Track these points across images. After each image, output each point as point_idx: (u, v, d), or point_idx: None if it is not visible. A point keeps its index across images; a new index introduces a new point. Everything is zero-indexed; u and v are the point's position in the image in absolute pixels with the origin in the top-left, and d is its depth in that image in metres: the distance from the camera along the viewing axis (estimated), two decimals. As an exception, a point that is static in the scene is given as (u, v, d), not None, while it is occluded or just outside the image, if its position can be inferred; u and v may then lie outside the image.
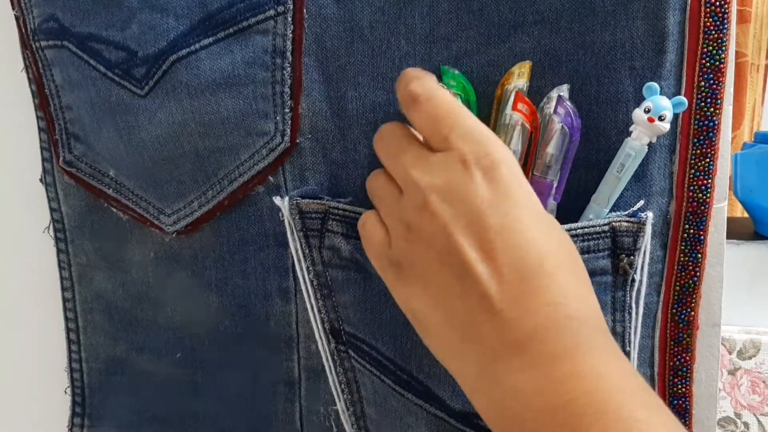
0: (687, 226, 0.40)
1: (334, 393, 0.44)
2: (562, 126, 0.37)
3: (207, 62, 0.40)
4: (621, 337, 0.40)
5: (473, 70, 0.39)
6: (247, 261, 0.45)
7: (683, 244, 0.40)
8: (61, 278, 0.51)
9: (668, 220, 0.40)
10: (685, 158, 0.39)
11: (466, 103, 0.38)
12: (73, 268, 0.50)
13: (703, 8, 0.37)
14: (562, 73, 0.39)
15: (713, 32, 0.37)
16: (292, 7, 0.40)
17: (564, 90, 0.38)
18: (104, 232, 0.48)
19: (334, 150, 0.42)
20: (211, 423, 0.50)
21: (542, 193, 0.38)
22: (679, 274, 0.41)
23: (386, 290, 0.36)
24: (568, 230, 0.38)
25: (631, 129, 0.38)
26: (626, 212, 0.39)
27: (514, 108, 0.37)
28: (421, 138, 0.36)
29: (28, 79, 0.47)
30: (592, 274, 0.39)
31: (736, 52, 0.38)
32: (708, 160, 0.39)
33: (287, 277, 0.45)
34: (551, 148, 0.37)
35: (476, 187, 0.32)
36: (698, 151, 0.39)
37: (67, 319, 0.51)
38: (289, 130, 0.42)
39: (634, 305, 0.40)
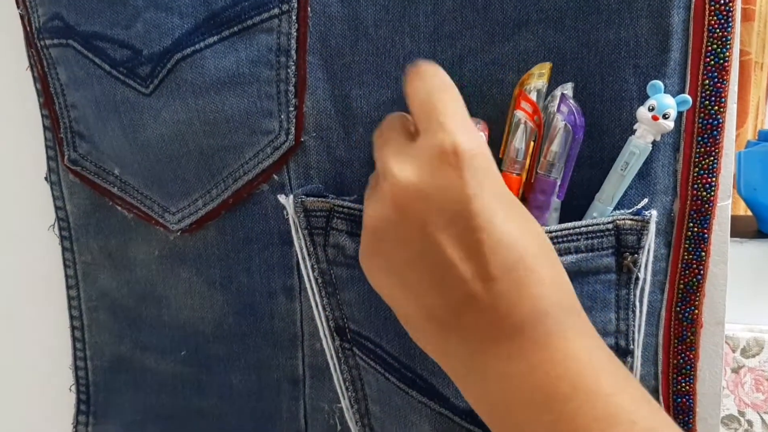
0: (691, 224, 0.40)
1: (339, 391, 0.44)
2: (566, 124, 0.37)
3: (212, 61, 0.40)
4: (625, 335, 0.40)
5: (477, 68, 0.39)
6: (252, 259, 0.45)
7: (687, 242, 0.40)
8: (66, 276, 0.51)
9: (672, 218, 0.40)
10: (690, 156, 0.39)
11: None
12: (78, 266, 0.50)
13: (707, 6, 0.37)
14: (567, 72, 0.39)
15: (718, 30, 0.37)
16: (296, 5, 0.40)
17: (568, 88, 0.38)
18: (109, 230, 0.48)
19: (338, 148, 0.42)
20: (215, 421, 0.50)
21: (546, 192, 0.38)
22: (682, 273, 0.41)
23: None
24: (572, 228, 0.38)
25: (635, 127, 0.38)
26: (630, 210, 0.39)
27: (517, 106, 0.37)
28: (412, 128, 0.35)
29: (33, 77, 0.47)
30: (596, 272, 0.39)
31: (740, 51, 0.38)
32: (712, 158, 0.39)
33: (292, 275, 0.45)
34: (555, 147, 0.38)
35: (453, 181, 0.31)
36: (702, 149, 0.39)
37: (72, 317, 0.51)
38: (293, 128, 0.42)
39: (638, 303, 0.40)
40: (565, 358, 0.30)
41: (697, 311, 0.41)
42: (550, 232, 0.38)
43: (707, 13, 0.37)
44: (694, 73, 0.38)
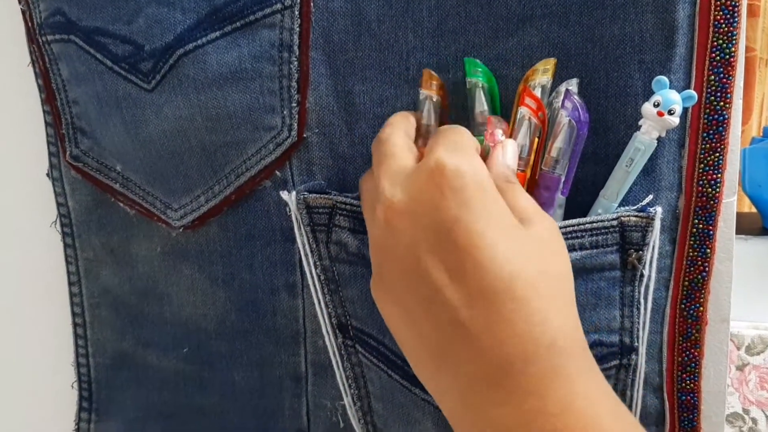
0: (696, 221, 0.40)
1: (341, 388, 0.44)
2: (570, 120, 0.37)
3: (214, 56, 0.40)
4: (629, 332, 0.40)
5: (481, 64, 0.39)
6: (254, 256, 0.45)
7: (692, 239, 0.40)
8: (68, 273, 0.51)
9: (677, 215, 0.40)
10: (695, 153, 0.39)
11: (491, 92, 0.38)
12: (80, 262, 0.50)
13: (713, 1, 0.37)
14: (571, 67, 0.38)
15: (723, 26, 0.37)
16: (299, 0, 0.40)
17: (573, 84, 0.38)
18: (111, 226, 0.48)
19: (341, 144, 0.42)
20: (217, 418, 0.50)
21: (550, 188, 0.38)
22: (687, 270, 0.40)
23: None
24: (577, 225, 0.38)
25: (640, 123, 0.37)
26: (635, 207, 0.39)
27: (521, 103, 0.37)
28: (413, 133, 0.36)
29: (35, 73, 0.47)
30: (601, 269, 0.39)
31: (746, 47, 0.38)
32: (717, 154, 0.38)
33: (294, 272, 0.45)
34: (559, 143, 0.37)
35: (440, 201, 0.31)
36: (708, 145, 0.39)
37: (74, 313, 0.51)
38: (296, 124, 0.42)
39: (642, 300, 0.40)
40: (563, 412, 0.28)
41: (702, 308, 0.41)
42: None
43: (713, 8, 0.37)
44: (699, 68, 0.38)
